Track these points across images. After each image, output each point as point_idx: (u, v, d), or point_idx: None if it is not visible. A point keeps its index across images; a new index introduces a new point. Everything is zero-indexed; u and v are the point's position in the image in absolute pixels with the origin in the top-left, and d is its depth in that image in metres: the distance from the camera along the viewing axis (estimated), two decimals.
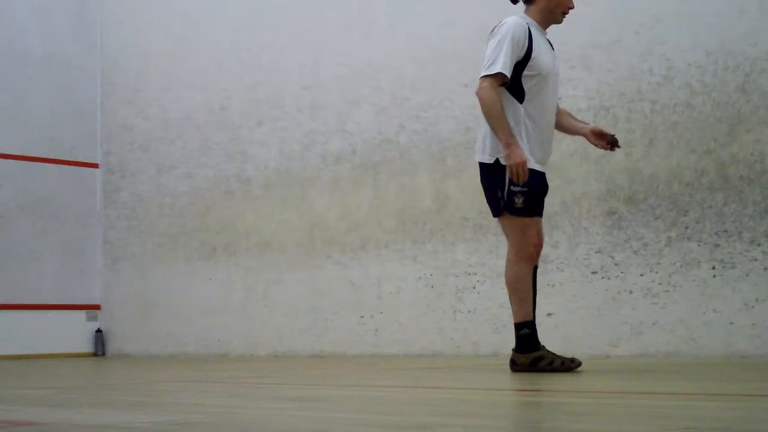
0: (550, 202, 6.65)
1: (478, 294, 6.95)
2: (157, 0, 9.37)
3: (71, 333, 9.24)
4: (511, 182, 4.71)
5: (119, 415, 3.15)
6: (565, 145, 6.59)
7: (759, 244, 5.78)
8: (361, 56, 7.74)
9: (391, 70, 7.56)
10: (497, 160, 4.76)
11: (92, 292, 9.47)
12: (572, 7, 4.88)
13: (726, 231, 5.87)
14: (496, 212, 4.84)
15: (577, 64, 6.57)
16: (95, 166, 9.62)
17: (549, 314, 6.58)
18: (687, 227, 6.01)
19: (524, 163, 4.66)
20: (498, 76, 4.70)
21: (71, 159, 9.45)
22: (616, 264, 6.30)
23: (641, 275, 6.16)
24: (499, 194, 4.76)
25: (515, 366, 4.80)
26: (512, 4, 4.97)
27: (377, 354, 7.35)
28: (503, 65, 4.68)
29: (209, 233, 8.70)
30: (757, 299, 5.75)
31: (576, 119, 5.23)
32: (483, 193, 4.94)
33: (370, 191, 7.62)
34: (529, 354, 4.76)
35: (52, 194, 9.32)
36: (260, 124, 8.40)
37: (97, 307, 9.46)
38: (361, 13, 7.81)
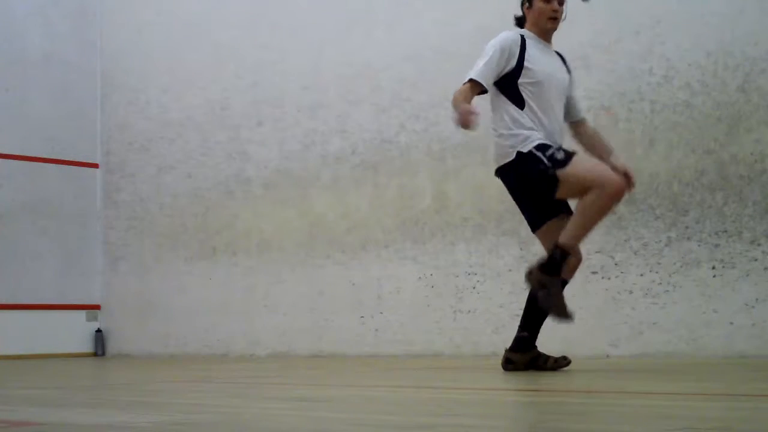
0: None
1: (478, 294, 6.95)
2: (157, 0, 9.37)
3: (71, 333, 9.24)
4: (540, 150, 4.70)
5: (119, 415, 3.15)
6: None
7: (759, 244, 5.77)
8: (361, 56, 7.74)
9: (391, 70, 7.56)
10: (518, 153, 4.76)
11: (92, 292, 9.47)
12: (556, 10, 4.90)
13: (726, 231, 5.86)
14: (552, 190, 4.74)
15: (577, 64, 6.55)
16: (95, 166, 9.62)
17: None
18: (687, 227, 6.01)
19: (470, 109, 4.63)
20: (470, 83, 4.77)
21: (71, 159, 9.45)
22: (616, 264, 6.30)
23: (641, 275, 6.16)
24: (542, 167, 4.69)
25: (511, 365, 4.89)
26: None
27: (377, 354, 7.35)
28: (477, 73, 4.76)
29: (209, 233, 8.70)
30: (757, 299, 5.75)
31: (603, 147, 5.06)
32: (515, 202, 5.00)
33: (370, 191, 7.62)
34: (526, 354, 4.90)
35: (52, 194, 9.32)
36: (260, 124, 8.40)
37: (97, 307, 9.46)
38: (361, 13, 7.81)
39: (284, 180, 8.19)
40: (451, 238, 7.12)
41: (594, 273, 6.39)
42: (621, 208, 6.27)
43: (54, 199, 9.33)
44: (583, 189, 4.65)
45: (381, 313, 7.48)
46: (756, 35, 5.90)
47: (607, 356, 6.17)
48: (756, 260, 5.77)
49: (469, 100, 4.72)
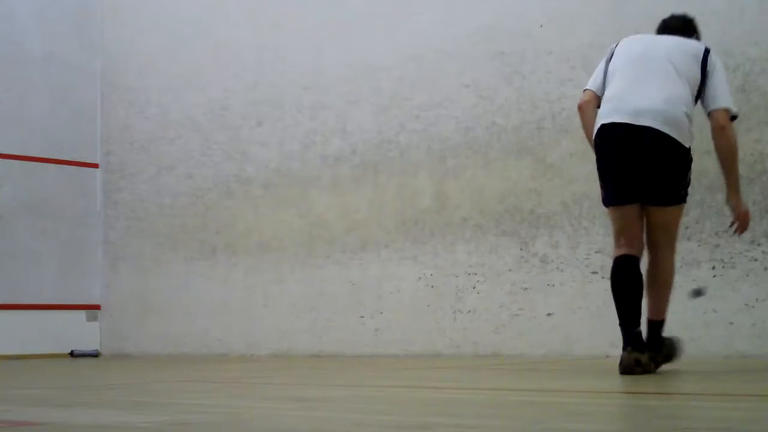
0: (551, 201, 6.66)
1: (478, 294, 6.95)
2: (157, 0, 9.37)
3: (71, 333, 9.23)
4: (690, 169, 4.62)
5: (119, 415, 3.15)
6: (565, 145, 6.59)
7: (759, 244, 5.77)
8: (362, 56, 7.74)
9: (391, 70, 7.56)
10: (690, 148, 4.60)
11: (92, 292, 9.47)
12: None
13: (726, 231, 5.86)
14: (677, 199, 4.62)
15: (577, 64, 6.57)
16: (95, 166, 9.62)
17: (549, 314, 6.59)
18: (687, 227, 6.00)
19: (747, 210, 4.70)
20: (728, 114, 4.64)
21: (71, 159, 9.45)
22: None
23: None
24: (684, 182, 4.62)
25: (656, 366, 4.60)
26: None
27: (377, 354, 7.35)
28: (733, 103, 4.68)
29: (209, 233, 8.70)
30: (757, 299, 5.75)
31: None
32: (633, 165, 4.59)
33: (370, 191, 7.62)
34: (663, 349, 4.70)
35: (52, 194, 9.32)
36: (260, 124, 8.40)
37: (97, 307, 9.46)
38: (361, 13, 7.81)
39: (284, 180, 8.19)
40: (451, 238, 7.12)
41: (594, 273, 6.39)
42: None
43: (54, 199, 9.32)
44: (673, 235, 4.68)
45: (381, 313, 7.48)
46: (756, 35, 5.90)
47: (607, 356, 6.16)
48: (756, 260, 5.77)
49: None
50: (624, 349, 4.43)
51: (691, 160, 4.63)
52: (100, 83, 9.67)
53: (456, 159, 7.14)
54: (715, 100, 4.59)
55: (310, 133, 8.04)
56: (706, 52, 4.64)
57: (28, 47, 9.31)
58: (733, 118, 4.67)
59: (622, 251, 4.59)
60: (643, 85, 4.59)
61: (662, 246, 4.66)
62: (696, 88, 4.62)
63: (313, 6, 8.15)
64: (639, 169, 4.54)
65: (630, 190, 4.59)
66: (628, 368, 4.38)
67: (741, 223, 4.66)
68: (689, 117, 4.56)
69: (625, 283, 4.55)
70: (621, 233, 4.62)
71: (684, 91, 4.56)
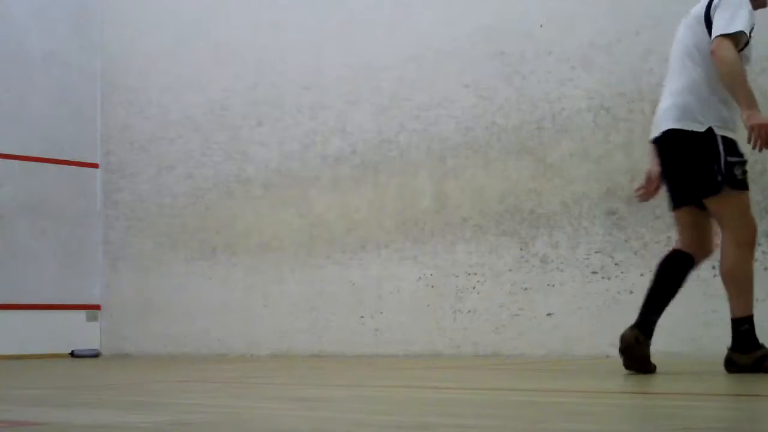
0: (551, 201, 6.66)
1: (478, 294, 6.95)
2: (157, 0, 9.37)
3: (71, 333, 9.23)
4: (728, 152, 4.31)
5: (119, 415, 3.15)
6: (565, 145, 6.59)
7: (759, 244, 5.76)
8: (362, 56, 7.74)
9: (391, 70, 7.56)
10: (710, 129, 4.32)
11: (92, 292, 9.47)
12: None
13: None
14: (711, 189, 4.35)
15: (577, 64, 6.57)
16: (95, 166, 9.62)
17: (549, 314, 6.59)
18: None
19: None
20: (740, 36, 4.25)
21: (71, 159, 9.45)
22: (616, 264, 6.30)
23: (641, 275, 6.15)
24: (716, 167, 4.31)
25: (734, 367, 4.35)
26: None
27: (377, 354, 7.35)
28: (744, 24, 4.23)
29: (209, 233, 8.70)
30: (757, 299, 5.71)
31: None
32: (652, 176, 4.62)
33: (370, 191, 7.62)
34: (752, 353, 4.34)
35: (52, 194, 9.32)
36: (260, 124, 8.40)
37: (97, 307, 9.46)
38: (361, 13, 7.81)
39: (284, 180, 8.19)
40: (451, 238, 7.12)
41: (594, 273, 6.39)
42: (621, 208, 6.28)
43: (54, 199, 9.33)
44: (728, 224, 4.41)
45: (381, 313, 7.48)
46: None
47: (607, 356, 6.16)
48: (756, 260, 5.75)
49: (743, 65, 4.25)
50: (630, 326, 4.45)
51: (716, 144, 4.33)
52: (100, 83, 9.67)
53: (456, 159, 7.14)
54: (712, 36, 4.33)
55: (310, 133, 8.04)
56: (708, 4, 4.41)
57: (28, 47, 9.32)
58: (745, 45, 4.35)
59: (674, 246, 4.68)
60: (665, 91, 4.57)
61: (723, 237, 4.47)
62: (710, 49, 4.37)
63: (313, 6, 8.15)
64: (671, 174, 4.55)
65: (672, 197, 4.62)
66: (625, 340, 4.40)
67: (756, 136, 4.22)
68: (701, 95, 4.37)
69: (661, 271, 4.57)
70: (678, 235, 4.69)
71: (692, 75, 4.41)
